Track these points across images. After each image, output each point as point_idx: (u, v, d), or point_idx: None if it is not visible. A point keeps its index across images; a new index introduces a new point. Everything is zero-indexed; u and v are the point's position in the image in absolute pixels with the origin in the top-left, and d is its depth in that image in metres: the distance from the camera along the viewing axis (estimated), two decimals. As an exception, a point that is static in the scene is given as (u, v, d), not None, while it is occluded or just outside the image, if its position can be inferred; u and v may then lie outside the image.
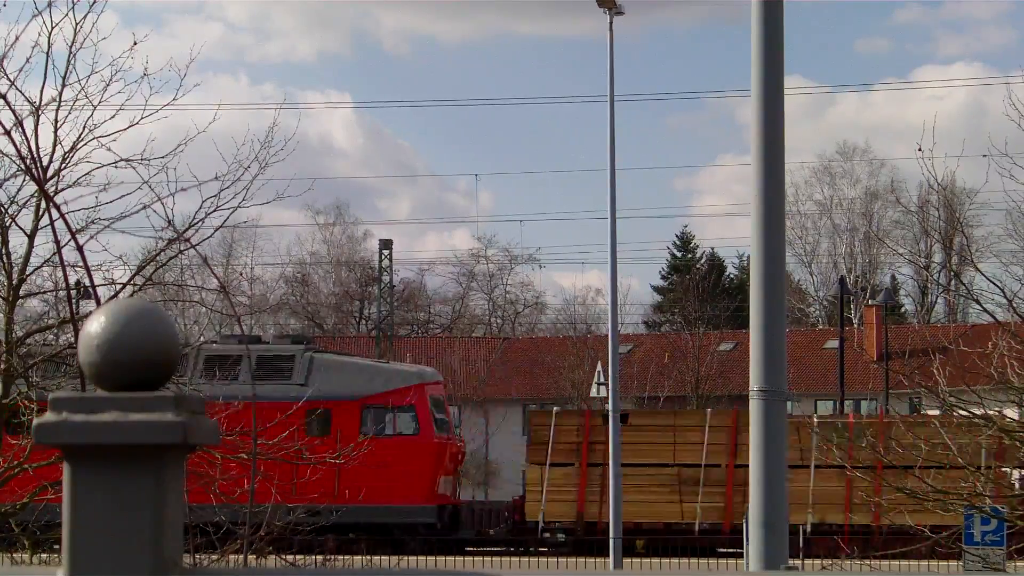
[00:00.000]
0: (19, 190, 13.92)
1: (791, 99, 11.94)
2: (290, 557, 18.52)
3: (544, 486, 36.98)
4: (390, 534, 36.71)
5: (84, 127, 13.35)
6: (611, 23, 30.46)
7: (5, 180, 14.01)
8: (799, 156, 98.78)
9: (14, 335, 14.25)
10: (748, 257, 25.58)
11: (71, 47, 13.17)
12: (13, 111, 12.44)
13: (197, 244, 13.42)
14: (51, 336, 15.13)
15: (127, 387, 3.16)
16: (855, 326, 69.68)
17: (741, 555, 33.27)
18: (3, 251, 13.84)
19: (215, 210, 13.52)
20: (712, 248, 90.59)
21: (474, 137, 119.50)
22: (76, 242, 11.45)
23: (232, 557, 14.26)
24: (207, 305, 23.63)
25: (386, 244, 68.48)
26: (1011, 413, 18.21)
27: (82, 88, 13.34)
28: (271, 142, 13.78)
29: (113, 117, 13.54)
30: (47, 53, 13.05)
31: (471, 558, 35.27)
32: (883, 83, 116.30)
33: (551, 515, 37.06)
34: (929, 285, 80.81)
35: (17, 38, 13.19)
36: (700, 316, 67.23)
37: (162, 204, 12.91)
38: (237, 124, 15.65)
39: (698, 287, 72.45)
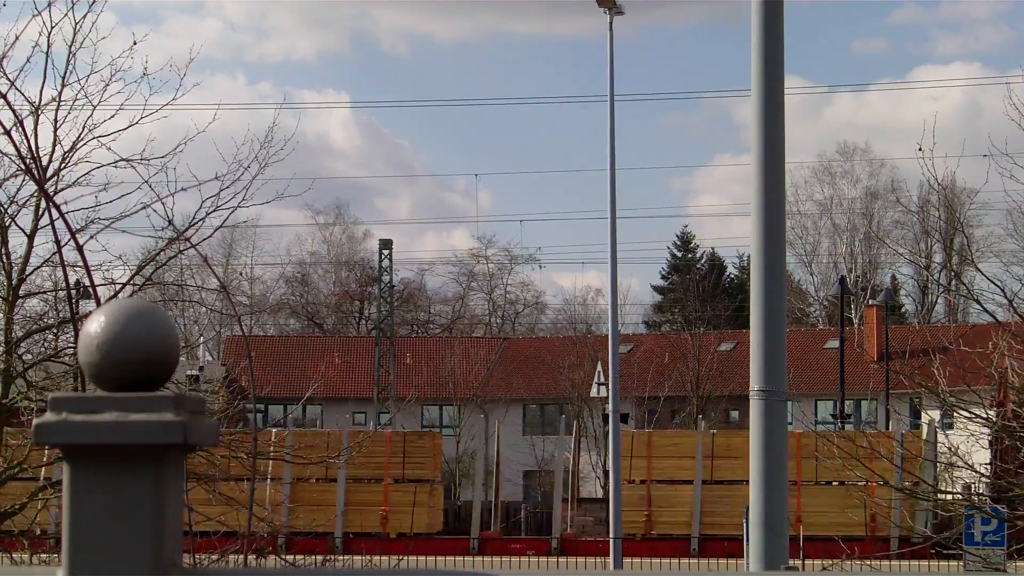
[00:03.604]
0: (19, 190, 13.92)
1: (788, 99, 12.00)
2: (290, 557, 18.53)
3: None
4: None
5: (84, 127, 13.35)
6: (611, 23, 30.43)
7: (5, 180, 14.01)
8: (795, 156, 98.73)
9: (14, 335, 14.24)
10: (748, 257, 25.59)
11: (71, 47, 13.18)
12: (13, 111, 12.44)
13: (197, 244, 13.40)
14: (51, 336, 15.12)
15: (127, 387, 3.16)
16: (855, 326, 69.71)
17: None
18: (3, 251, 13.84)
19: (215, 210, 13.51)
20: (712, 248, 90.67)
21: (473, 137, 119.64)
22: (76, 242, 11.45)
23: (232, 557, 14.26)
24: (207, 305, 23.66)
25: (386, 244, 68.47)
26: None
27: (82, 88, 13.35)
28: (271, 142, 13.77)
29: (113, 117, 13.54)
30: (47, 53, 13.06)
31: (471, 558, 35.29)
32: (880, 83, 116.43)
33: None
34: (929, 285, 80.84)
35: (17, 38, 13.20)
36: (700, 316, 67.27)
37: (162, 204, 12.91)
38: (236, 123, 15.66)
39: (698, 287, 72.51)
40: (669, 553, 35.00)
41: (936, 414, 37.54)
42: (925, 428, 39.96)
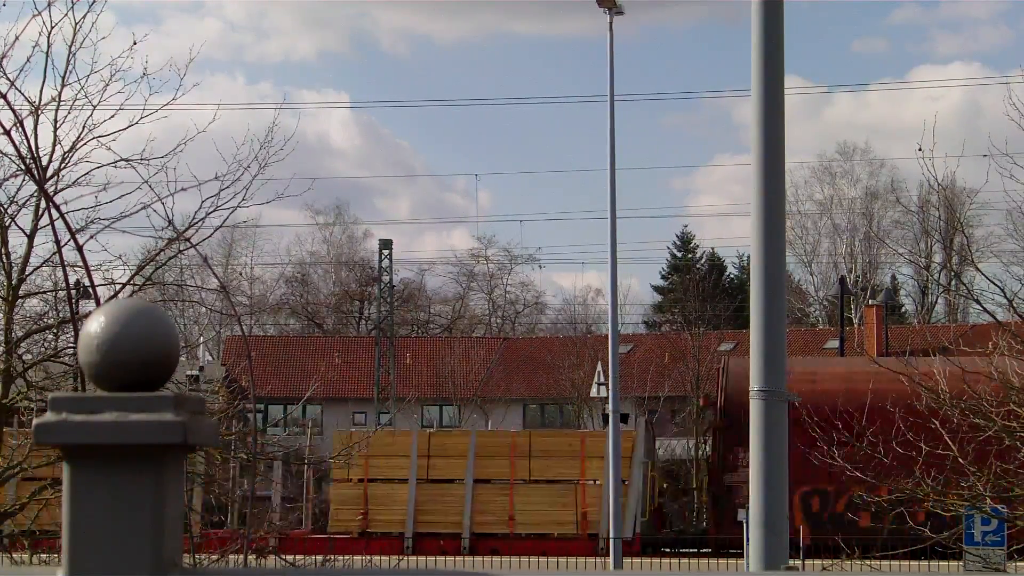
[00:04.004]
0: (19, 190, 13.91)
1: (788, 99, 12.05)
2: (290, 557, 18.52)
3: None
4: None
5: (84, 127, 13.34)
6: (611, 23, 30.42)
7: (5, 180, 14.00)
8: (795, 156, 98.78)
9: (14, 335, 14.24)
10: (748, 257, 25.57)
11: (70, 47, 13.17)
12: (13, 111, 12.44)
13: (197, 244, 13.40)
14: (51, 336, 15.12)
15: (127, 387, 3.16)
16: (855, 326, 69.68)
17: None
18: (3, 251, 13.83)
19: (215, 210, 13.50)
20: (712, 248, 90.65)
21: (473, 137, 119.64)
22: (76, 242, 11.45)
23: (232, 557, 14.27)
24: (207, 305, 23.66)
25: (386, 244, 68.46)
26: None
27: (82, 88, 13.33)
28: (271, 142, 13.76)
29: (113, 117, 13.53)
30: (47, 53, 13.05)
31: (471, 558, 35.32)
32: (880, 83, 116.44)
33: None
34: (929, 285, 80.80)
35: (17, 38, 13.19)
36: (700, 316, 67.24)
37: (162, 204, 12.90)
38: (236, 123, 15.65)
39: (698, 287, 72.48)
40: (384, 551, 35.56)
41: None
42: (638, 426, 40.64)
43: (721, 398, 37.94)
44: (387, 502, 39.40)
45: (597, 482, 38.14)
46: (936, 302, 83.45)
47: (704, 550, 37.86)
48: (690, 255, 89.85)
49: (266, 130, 13.90)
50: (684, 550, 38.79)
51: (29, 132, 12.64)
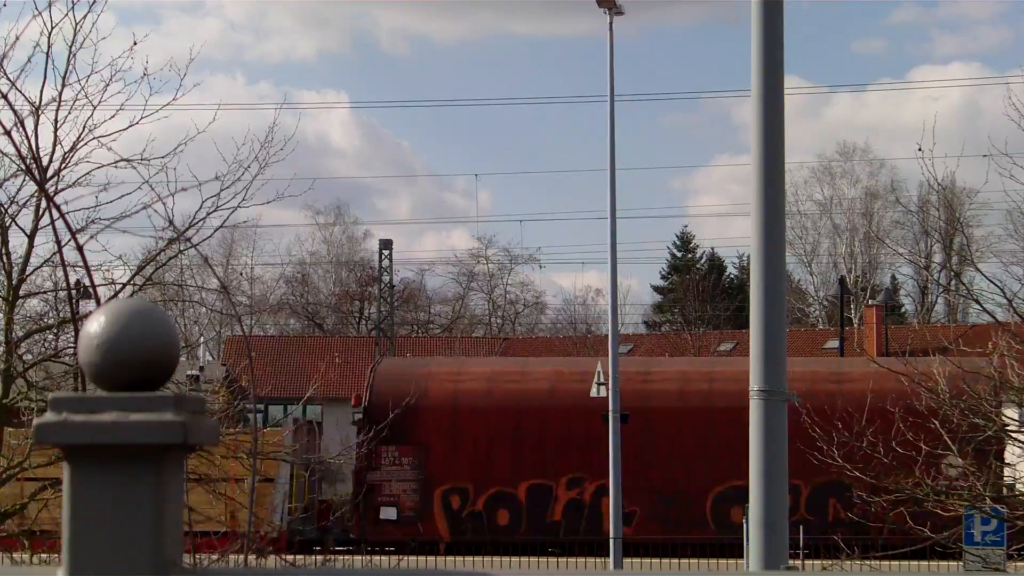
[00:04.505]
0: (19, 190, 13.93)
1: (788, 99, 12.11)
2: (290, 557, 18.53)
3: None
4: None
5: (84, 127, 13.36)
6: (611, 23, 30.39)
7: (5, 180, 14.01)
8: (795, 156, 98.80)
9: (14, 335, 14.24)
10: (748, 257, 25.58)
11: (71, 47, 13.18)
12: (14, 111, 12.45)
13: (197, 244, 13.42)
14: (51, 336, 15.13)
15: (127, 387, 3.16)
16: (855, 326, 69.68)
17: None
18: (3, 251, 13.84)
19: (215, 210, 13.51)
20: (712, 248, 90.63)
21: (474, 137, 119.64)
22: (76, 242, 11.47)
23: (232, 557, 14.26)
24: (207, 305, 23.68)
25: (386, 244, 68.47)
26: (1011, 413, 18.21)
27: (82, 88, 13.35)
28: (271, 142, 13.77)
29: (113, 117, 13.55)
30: (47, 53, 13.07)
31: (471, 558, 35.32)
32: (879, 83, 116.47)
33: None
34: (929, 285, 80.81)
35: (17, 38, 13.21)
36: (700, 316, 67.28)
37: (162, 204, 12.91)
38: (236, 123, 15.67)
39: (698, 287, 72.51)
40: (53, 549, 35.80)
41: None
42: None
43: (367, 397, 38.08)
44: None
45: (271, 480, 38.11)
46: (936, 302, 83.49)
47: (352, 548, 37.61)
48: (690, 255, 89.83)
49: (266, 130, 13.93)
50: (338, 548, 38.71)
51: (30, 132, 12.67)
